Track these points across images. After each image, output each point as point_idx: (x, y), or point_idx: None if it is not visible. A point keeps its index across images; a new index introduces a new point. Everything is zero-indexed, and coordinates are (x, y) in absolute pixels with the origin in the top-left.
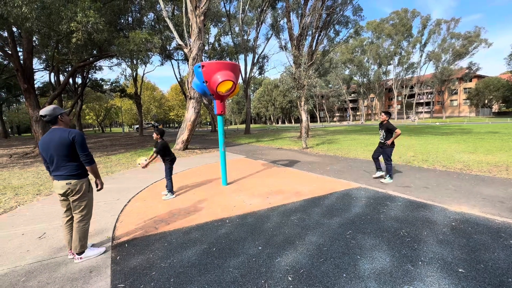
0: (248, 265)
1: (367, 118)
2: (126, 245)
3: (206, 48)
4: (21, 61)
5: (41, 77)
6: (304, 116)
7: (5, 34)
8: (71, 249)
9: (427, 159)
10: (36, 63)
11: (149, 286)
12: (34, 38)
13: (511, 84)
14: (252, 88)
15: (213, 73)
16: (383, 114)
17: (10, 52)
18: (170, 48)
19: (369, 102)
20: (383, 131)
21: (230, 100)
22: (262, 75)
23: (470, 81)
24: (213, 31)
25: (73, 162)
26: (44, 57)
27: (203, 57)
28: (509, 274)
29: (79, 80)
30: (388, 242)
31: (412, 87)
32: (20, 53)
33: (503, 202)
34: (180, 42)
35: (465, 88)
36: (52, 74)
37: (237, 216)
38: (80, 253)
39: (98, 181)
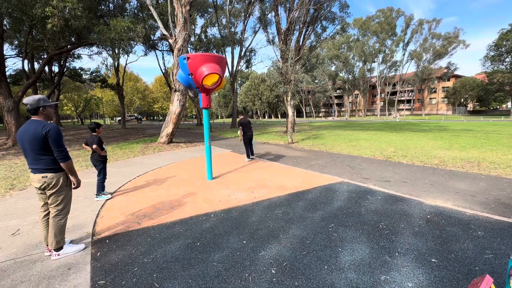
0: (232, 259)
1: (351, 114)
2: (107, 240)
3: (192, 39)
4: None
5: (13, 64)
6: (290, 111)
7: None
8: (47, 245)
9: (406, 155)
10: (8, 49)
11: (131, 282)
12: (5, 22)
13: (485, 84)
14: (239, 81)
15: (199, 65)
16: None
17: None
18: (155, 38)
19: (354, 98)
20: None
21: (217, 94)
22: (249, 68)
23: (448, 80)
24: (200, 22)
25: (49, 155)
26: (16, 42)
27: (189, 49)
28: (476, 263)
29: (56, 69)
30: (368, 234)
31: (394, 85)
32: None
33: (474, 196)
34: (165, 32)
35: (443, 87)
36: (26, 61)
37: (222, 210)
38: (57, 250)
39: (74, 179)
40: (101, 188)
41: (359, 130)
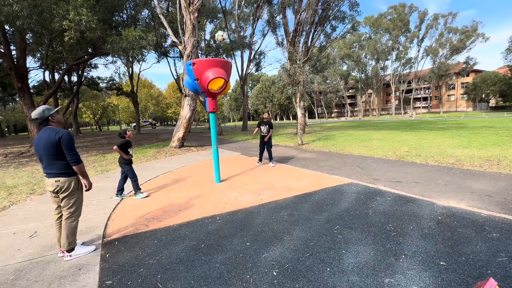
0: (234, 260)
1: (365, 113)
2: (116, 242)
3: (202, 45)
4: (15, 60)
5: (36, 75)
6: (299, 113)
7: None
8: (60, 246)
9: (420, 154)
10: (31, 62)
11: (136, 282)
12: (28, 37)
13: (508, 78)
14: (250, 85)
15: (204, 70)
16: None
17: (2, 51)
18: (166, 45)
19: (367, 97)
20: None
21: (228, 97)
22: (259, 71)
23: (468, 75)
24: (209, 27)
25: (62, 160)
26: (38, 55)
27: (199, 54)
28: (488, 266)
29: (75, 79)
30: (374, 236)
31: (409, 82)
32: (13, 52)
33: (491, 196)
34: (175, 40)
35: (462, 83)
36: (47, 72)
37: (228, 212)
38: (69, 251)
39: (86, 182)
40: (137, 188)
41: (372, 130)
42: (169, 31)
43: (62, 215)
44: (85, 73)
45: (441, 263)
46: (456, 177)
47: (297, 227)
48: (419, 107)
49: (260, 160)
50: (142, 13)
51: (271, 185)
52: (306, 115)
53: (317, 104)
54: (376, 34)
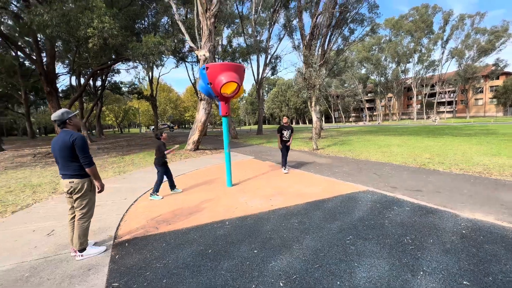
0: (241, 268)
1: (384, 118)
2: (127, 244)
3: (220, 49)
4: (45, 66)
5: (63, 80)
6: (314, 117)
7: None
8: (73, 246)
9: (443, 162)
10: (60, 67)
11: (142, 286)
12: (58, 44)
13: None
14: (266, 88)
15: (217, 74)
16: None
17: (34, 58)
18: (184, 51)
19: (387, 101)
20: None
21: (244, 101)
22: (275, 75)
23: (497, 78)
24: (226, 32)
25: (76, 162)
26: (67, 61)
27: (216, 59)
28: None
29: (99, 83)
30: (390, 249)
31: (433, 86)
32: (44, 58)
33: None
34: (192, 45)
35: (491, 86)
36: (74, 77)
37: (238, 217)
38: (81, 251)
39: (98, 183)
40: (156, 190)
41: (392, 135)
42: (187, 36)
43: (75, 215)
44: (108, 78)
45: (464, 282)
46: (483, 187)
47: (308, 236)
48: (443, 112)
49: (285, 165)
50: (162, 20)
51: (282, 191)
52: (323, 119)
53: (334, 108)
54: (397, 36)
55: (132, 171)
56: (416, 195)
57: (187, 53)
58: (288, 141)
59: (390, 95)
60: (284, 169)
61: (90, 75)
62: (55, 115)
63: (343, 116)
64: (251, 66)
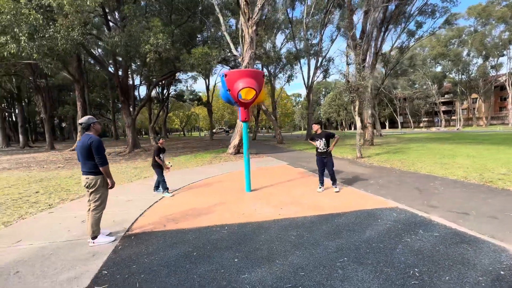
0: (213, 275)
1: (466, 123)
2: (133, 237)
3: (272, 54)
4: (120, 79)
5: (142, 91)
6: (358, 122)
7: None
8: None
9: None
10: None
11: (122, 277)
12: (126, 59)
13: None
14: (323, 92)
15: (235, 81)
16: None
17: (113, 72)
18: (233, 59)
19: (470, 104)
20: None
21: (300, 106)
22: (326, 78)
23: None
24: (280, 37)
25: (92, 161)
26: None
27: (259, 65)
28: None
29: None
30: (385, 281)
31: None
32: (120, 72)
33: None
34: (235, 53)
35: None
36: (143, 88)
37: (238, 224)
38: (93, 238)
39: (109, 181)
40: (164, 188)
41: (466, 143)
42: (231, 45)
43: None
44: (172, 87)
45: None
46: None
47: (298, 251)
48: None
49: (321, 183)
50: (212, 30)
51: (298, 200)
52: (378, 123)
53: (402, 112)
54: (484, 26)
55: (174, 170)
56: (458, 219)
57: (238, 61)
58: (325, 153)
59: (474, 95)
60: (335, 186)
61: (154, 85)
62: (82, 120)
63: (411, 121)
64: (302, 72)
